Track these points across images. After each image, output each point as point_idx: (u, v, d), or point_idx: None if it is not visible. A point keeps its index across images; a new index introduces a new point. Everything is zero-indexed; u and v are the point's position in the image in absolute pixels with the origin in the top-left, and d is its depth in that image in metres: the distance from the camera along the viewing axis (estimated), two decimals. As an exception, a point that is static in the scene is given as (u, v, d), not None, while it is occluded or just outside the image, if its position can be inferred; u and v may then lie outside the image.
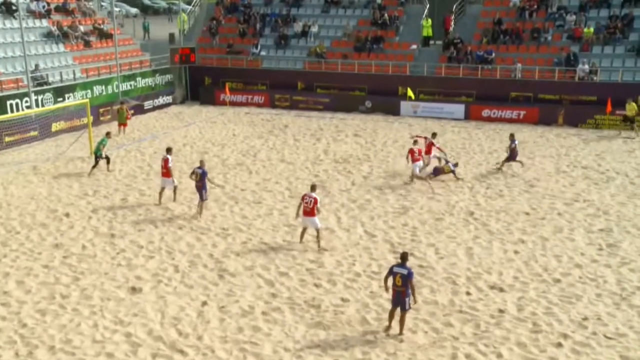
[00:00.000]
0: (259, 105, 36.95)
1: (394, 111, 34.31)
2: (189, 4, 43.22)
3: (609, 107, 29.62)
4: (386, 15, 38.19)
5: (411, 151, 22.55)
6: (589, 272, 15.44)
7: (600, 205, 20.07)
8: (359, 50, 37.08)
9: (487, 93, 33.34)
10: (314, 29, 39.09)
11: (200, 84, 38.80)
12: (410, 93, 32.01)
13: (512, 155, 23.65)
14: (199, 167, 18.96)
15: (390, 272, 12.60)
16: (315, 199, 16.45)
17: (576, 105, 31.78)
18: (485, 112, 33.05)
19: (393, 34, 37.85)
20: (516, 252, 16.60)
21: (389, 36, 37.70)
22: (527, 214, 19.39)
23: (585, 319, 13.21)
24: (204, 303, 13.92)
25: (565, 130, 30.73)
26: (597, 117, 30.82)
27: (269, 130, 31.12)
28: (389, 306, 13.77)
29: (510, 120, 32.38)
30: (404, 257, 12.59)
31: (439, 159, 23.76)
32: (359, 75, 35.81)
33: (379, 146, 27.79)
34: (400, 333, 12.63)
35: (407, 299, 12.44)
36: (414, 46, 36.85)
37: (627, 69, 31.93)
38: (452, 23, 37.64)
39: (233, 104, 36.93)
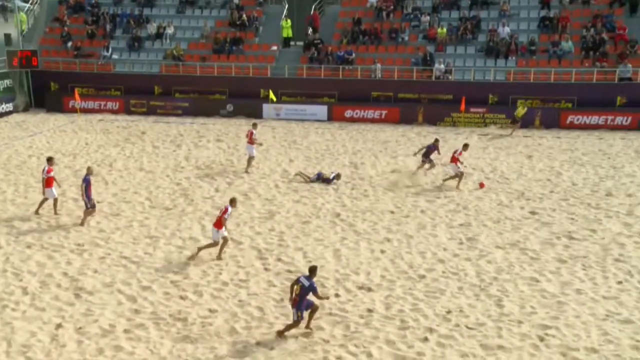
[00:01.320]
0: (113, 112, 35.82)
1: (257, 114, 34.51)
2: (26, 1, 40.93)
3: (463, 106, 31.47)
4: (244, 16, 38.32)
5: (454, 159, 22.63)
6: (451, 266, 16.36)
7: (459, 201, 21.30)
8: (218, 52, 36.94)
9: (349, 93, 34.36)
10: (170, 30, 38.48)
11: (45, 90, 37.00)
12: (272, 95, 32.34)
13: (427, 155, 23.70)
14: (87, 175, 18.66)
15: (297, 280, 12.86)
16: (224, 209, 16.39)
17: (434, 103, 33.51)
18: (348, 113, 34.04)
19: (252, 35, 38.05)
20: (382, 251, 17.24)
21: (249, 37, 37.86)
22: (392, 212, 20.20)
23: (449, 312, 13.97)
24: (59, 325, 13.30)
25: (425, 128, 32.30)
26: (454, 115, 32.68)
27: (125, 137, 30.26)
28: (258, 314, 13.87)
29: (373, 120, 33.57)
30: (312, 270, 12.85)
31: None
32: (219, 78, 35.67)
33: (242, 151, 27.83)
34: (281, 335, 12.84)
35: (294, 310, 12.68)
36: (275, 47, 37.25)
37: (478, 69, 34.14)
38: (318, 21, 38.32)
39: (84, 110, 35.54)
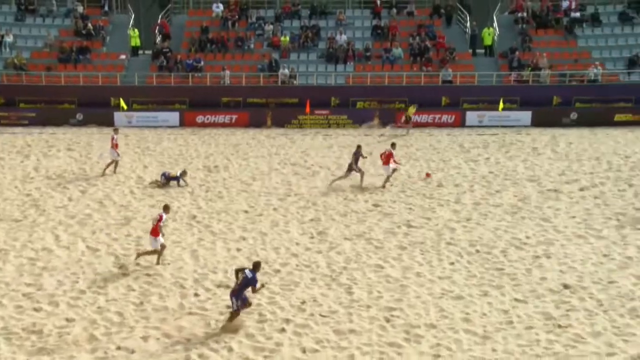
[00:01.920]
0: (-48, 124, 32.82)
1: (108, 122, 33.00)
2: None
3: (308, 108, 32.03)
4: (90, 25, 36.57)
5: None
6: (304, 259, 16.57)
7: (309, 198, 21.63)
8: (64, 61, 35.01)
9: (199, 100, 33.82)
10: (9, 39, 35.88)
11: None
12: (122, 104, 31.15)
13: (351, 165, 22.81)
14: None
15: (242, 270, 12.99)
16: (159, 217, 15.90)
17: (281, 107, 33.82)
18: (200, 118, 33.51)
19: (100, 45, 36.43)
20: (239, 249, 17.12)
21: (95, 47, 36.21)
22: (246, 212, 20.13)
23: (304, 302, 14.14)
24: None
25: (274, 131, 32.51)
26: (300, 117, 33.16)
27: (-32, 150, 27.84)
28: (117, 319, 13.28)
29: (224, 125, 33.28)
30: (255, 265, 12.98)
31: None
32: (66, 88, 33.78)
33: (95, 159, 26.53)
34: (228, 328, 12.83)
35: (234, 299, 12.73)
36: (123, 56, 35.89)
37: (320, 74, 34.95)
38: (168, 29, 37.33)
39: None
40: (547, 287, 14.86)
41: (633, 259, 16.33)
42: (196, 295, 14.48)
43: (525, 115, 33.22)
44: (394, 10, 38.30)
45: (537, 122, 32.78)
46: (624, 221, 19.08)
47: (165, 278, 15.34)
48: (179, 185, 22.69)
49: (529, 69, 34.38)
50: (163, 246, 16.15)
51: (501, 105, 31.06)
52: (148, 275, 15.40)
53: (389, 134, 30.92)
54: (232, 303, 12.85)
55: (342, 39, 36.17)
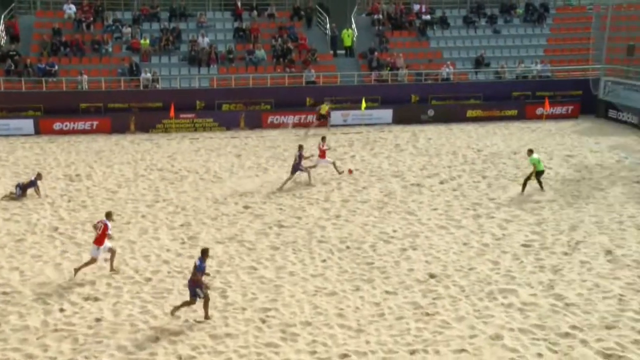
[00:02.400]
0: None
1: (-48, 132, 30.44)
2: None
3: (172, 112, 31.27)
4: None
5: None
6: (176, 265, 16.18)
7: (178, 203, 21.16)
8: None
9: (56, 106, 31.97)
10: None
11: None
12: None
13: (295, 165, 22.93)
14: None
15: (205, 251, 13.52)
16: (104, 226, 15.45)
17: (145, 112, 32.77)
18: (57, 125, 31.72)
19: (-61, 48, 33.44)
20: (106, 259, 16.40)
21: None
22: (113, 220, 19.29)
23: (178, 309, 13.80)
24: None
25: (138, 136, 31.45)
26: (165, 121, 32.32)
27: None
28: (-26, 344, 12.34)
29: (84, 132, 31.73)
30: (203, 252, 13.44)
31: None
32: None
33: (-62, 172, 24.39)
34: (206, 317, 13.34)
35: (197, 289, 13.12)
36: (-34, 60, 33.19)
37: (183, 77, 34.24)
38: (17, 29, 34.91)
39: None
40: (414, 277, 15.52)
41: (489, 246, 17.45)
42: (62, 310, 13.72)
43: (387, 114, 34.49)
44: (255, 13, 38.36)
45: (397, 120, 34.14)
46: (479, 211, 20.34)
47: (25, 295, 14.40)
48: (38, 193, 21.35)
49: (388, 68, 35.73)
50: (112, 250, 15.71)
51: (364, 104, 32.02)
52: (5, 293, 14.38)
53: (313, 133, 30.94)
54: (198, 292, 13.20)
55: (204, 41, 35.69)
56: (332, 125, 32.91)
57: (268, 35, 37.04)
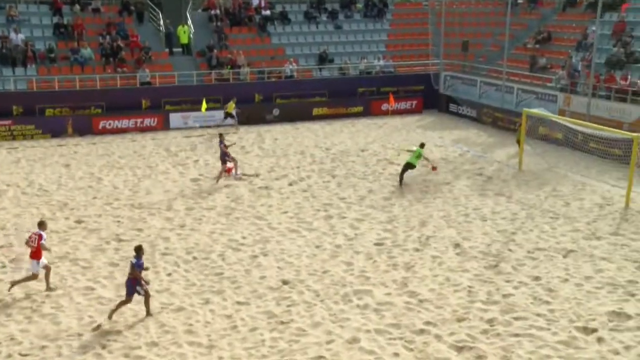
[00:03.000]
0: None
1: None
2: None
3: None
4: None
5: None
6: (-3, 293, 15.01)
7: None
8: None
9: None
10: None
11: None
12: None
13: (222, 155, 23.77)
14: None
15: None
16: (39, 236, 14.96)
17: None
18: None
19: None
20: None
21: None
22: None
23: None
24: None
25: (-56, 148, 28.84)
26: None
27: None
28: None
29: None
30: (137, 249, 13.81)
31: None
32: None
33: None
34: (148, 314, 13.95)
35: (137, 287, 13.67)
36: None
37: (-2, 78, 31.87)
38: None
39: None
40: (267, 285, 15.52)
41: (342, 247, 17.88)
42: None
43: (229, 114, 34.32)
44: (77, 7, 36.46)
45: (242, 120, 34.09)
46: (331, 211, 20.80)
47: None
48: None
49: (228, 67, 35.56)
50: (47, 267, 15.31)
51: (204, 105, 31.62)
52: None
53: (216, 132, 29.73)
54: (139, 290, 13.71)
55: (18, 38, 33.31)
56: (173, 129, 32.19)
57: (94, 32, 35.40)
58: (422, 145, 24.02)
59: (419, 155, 23.45)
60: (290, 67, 36.63)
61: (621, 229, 18.96)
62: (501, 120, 33.35)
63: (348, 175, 24.90)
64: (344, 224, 19.71)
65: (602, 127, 24.29)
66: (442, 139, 31.25)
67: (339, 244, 18.12)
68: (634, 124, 26.97)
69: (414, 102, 37.98)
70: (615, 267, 16.28)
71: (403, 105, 37.54)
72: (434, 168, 24.34)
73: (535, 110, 26.75)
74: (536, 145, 27.52)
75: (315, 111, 36.02)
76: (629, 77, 29.25)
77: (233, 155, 25.05)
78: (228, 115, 32.87)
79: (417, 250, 17.64)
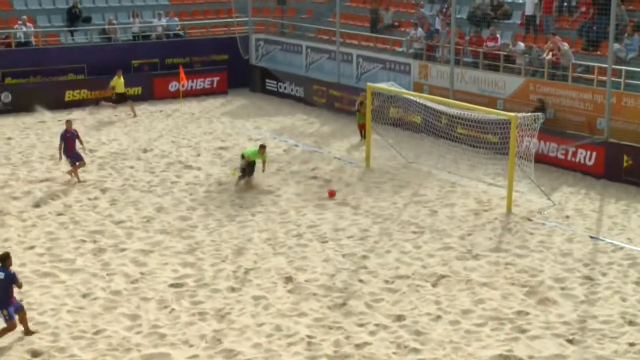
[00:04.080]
0: None
1: None
2: None
3: None
4: None
5: None
6: None
7: None
8: None
9: None
10: None
11: None
12: None
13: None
14: None
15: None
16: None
17: None
18: None
19: None
20: None
21: None
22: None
23: None
24: None
25: None
26: None
27: None
28: None
29: None
30: (2, 259, 14.88)
31: None
32: None
33: None
34: (27, 332, 15.30)
35: (9, 309, 14.86)
36: None
37: None
38: None
39: None
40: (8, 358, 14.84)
41: (122, 293, 17.46)
42: None
43: None
44: None
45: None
46: (103, 242, 20.30)
47: None
48: None
49: None
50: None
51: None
52: None
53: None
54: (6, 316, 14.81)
55: None
56: None
57: None
58: (262, 148, 24.21)
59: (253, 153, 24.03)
60: (24, 28, 35.35)
61: (504, 243, 20.16)
62: (338, 100, 34.34)
63: (126, 188, 24.48)
64: (123, 259, 19.30)
65: (471, 105, 25.62)
66: (259, 130, 31.59)
67: (117, 289, 17.68)
68: (510, 100, 28.81)
69: (216, 79, 38.17)
70: (499, 295, 17.21)
71: (200, 83, 37.64)
72: (331, 192, 23.92)
73: (383, 85, 27.62)
74: (387, 133, 28.57)
75: (69, 95, 35.22)
76: (499, 37, 31.05)
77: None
78: (118, 96, 33.14)
79: (232, 290, 17.60)
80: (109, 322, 16.22)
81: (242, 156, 24.31)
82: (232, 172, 24.81)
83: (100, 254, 19.64)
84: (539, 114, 23.59)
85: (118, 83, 33.67)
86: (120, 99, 33.96)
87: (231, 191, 24.11)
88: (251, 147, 25.16)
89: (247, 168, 24.18)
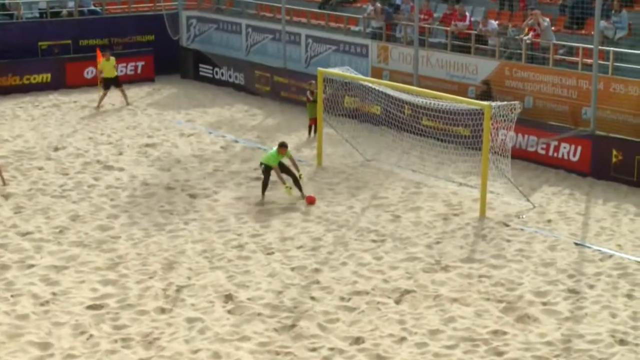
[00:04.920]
0: None
1: None
2: None
3: None
4: None
5: None
6: None
7: None
8: None
9: None
10: None
11: None
12: None
13: None
14: None
15: None
16: None
17: None
18: None
19: None
20: None
21: None
22: None
23: None
24: None
25: None
26: None
27: None
28: None
29: None
30: None
31: None
32: None
33: None
34: None
35: None
36: None
37: None
38: None
39: None
40: None
41: (30, 317, 17.27)
42: None
43: None
44: None
45: None
46: (6, 258, 20.09)
47: None
48: None
49: None
50: None
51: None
52: None
53: None
54: None
55: None
56: None
57: None
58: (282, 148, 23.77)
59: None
60: None
61: (477, 252, 20.33)
62: (285, 89, 34.38)
63: (33, 193, 24.28)
64: (31, 277, 19.14)
65: (438, 93, 25.78)
66: (192, 123, 31.51)
67: (24, 313, 17.53)
68: (483, 87, 28.98)
69: (140, 64, 38.09)
70: (472, 313, 17.34)
71: (121, 68, 37.36)
72: (309, 199, 23.85)
73: (336, 71, 27.67)
74: (342, 126, 28.65)
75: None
76: (468, 15, 31.26)
77: None
78: (109, 81, 33.13)
79: (162, 311, 17.54)
80: (13, 353, 16.06)
81: (262, 164, 23.71)
82: (285, 189, 23.76)
83: (2, 272, 19.45)
84: (516, 102, 23.66)
85: (107, 66, 33.57)
86: (109, 84, 33.75)
87: (159, 195, 24.02)
88: (270, 152, 24.21)
89: (264, 176, 23.66)
